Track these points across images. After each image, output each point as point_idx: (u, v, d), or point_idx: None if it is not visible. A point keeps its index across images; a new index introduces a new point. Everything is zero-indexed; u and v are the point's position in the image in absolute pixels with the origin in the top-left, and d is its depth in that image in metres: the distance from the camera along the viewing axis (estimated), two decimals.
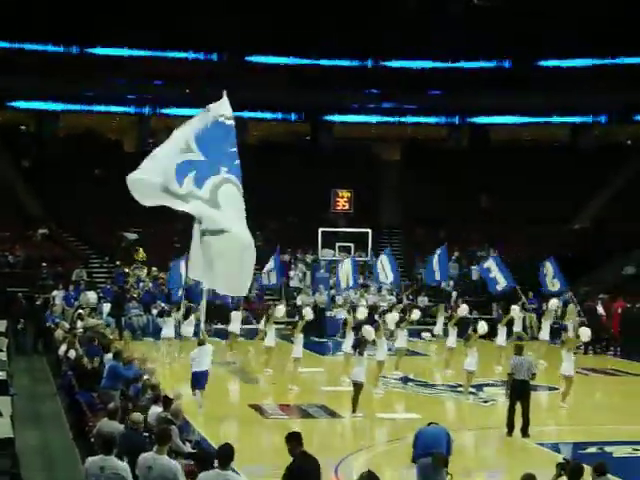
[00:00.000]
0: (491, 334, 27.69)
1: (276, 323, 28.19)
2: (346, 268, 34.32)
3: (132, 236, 43.13)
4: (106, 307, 34.60)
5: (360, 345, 21.12)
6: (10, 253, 39.40)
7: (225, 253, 14.46)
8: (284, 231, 44.86)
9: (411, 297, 38.88)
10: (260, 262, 32.47)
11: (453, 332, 27.26)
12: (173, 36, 50.56)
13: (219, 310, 35.04)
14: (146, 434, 13.01)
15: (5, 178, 45.90)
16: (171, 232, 40.83)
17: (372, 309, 34.57)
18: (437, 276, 32.51)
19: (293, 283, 40.19)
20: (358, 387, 20.18)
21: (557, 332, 31.08)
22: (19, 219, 43.31)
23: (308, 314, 25.59)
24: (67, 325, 27.35)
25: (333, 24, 50.77)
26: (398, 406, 22.55)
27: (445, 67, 54.26)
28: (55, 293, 34.87)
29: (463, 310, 28.54)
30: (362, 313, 27.96)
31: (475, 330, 24.10)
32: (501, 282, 30.18)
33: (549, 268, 30.19)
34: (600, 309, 32.89)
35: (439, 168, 50.10)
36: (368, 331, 22.10)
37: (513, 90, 52.07)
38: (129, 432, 12.12)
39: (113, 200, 42.96)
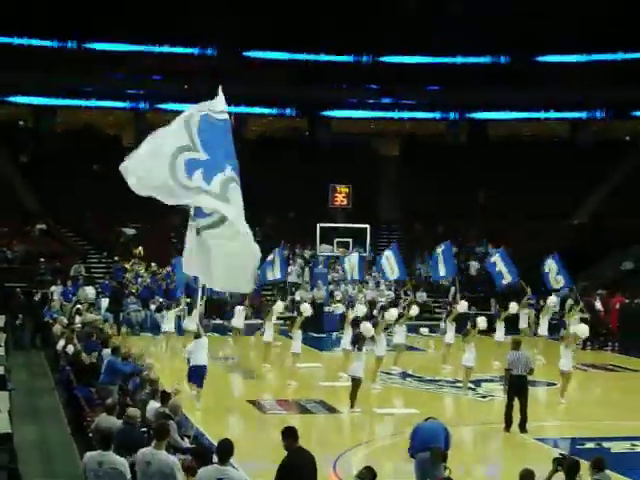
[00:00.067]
0: (489, 330, 27.75)
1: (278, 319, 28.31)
2: (352, 262, 34.19)
3: (130, 231, 43.13)
4: (104, 302, 34.63)
5: (359, 341, 21.12)
6: (8, 248, 39.38)
7: (226, 248, 14.44)
8: (282, 226, 44.85)
9: (409, 293, 38.85)
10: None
11: (451, 328, 27.28)
12: (171, 31, 50.53)
13: (217, 305, 35.07)
14: (144, 429, 13.02)
15: (3, 173, 45.88)
16: (169, 227, 40.86)
17: (370, 304, 34.67)
18: (442, 272, 31.68)
19: (291, 278, 40.16)
20: (356, 382, 20.18)
21: (555, 328, 31.10)
22: (17, 214, 43.26)
23: (306, 310, 25.58)
24: (65, 320, 27.33)
25: (331, 19, 50.72)
26: (396, 401, 22.60)
27: (443, 62, 54.20)
28: (53, 288, 34.85)
29: (462, 306, 28.50)
30: (361, 310, 27.96)
31: (474, 325, 24.11)
32: (507, 277, 30.10)
33: (552, 265, 29.87)
34: (598, 304, 32.93)
35: (437, 163, 50.08)
36: (367, 328, 22.10)
37: (511, 86, 52.04)
38: (126, 427, 12.12)
39: (111, 195, 42.84)
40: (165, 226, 41.44)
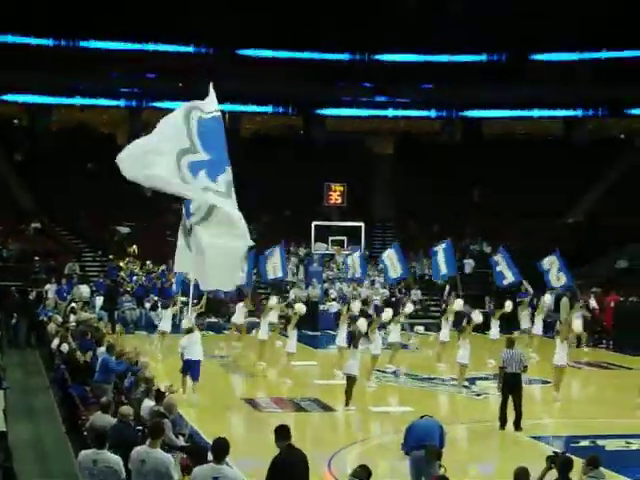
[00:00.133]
0: (484, 327, 27.77)
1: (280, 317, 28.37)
2: (355, 260, 33.98)
3: (125, 230, 43.10)
4: (99, 301, 34.63)
5: (354, 338, 21.14)
6: (3, 247, 39.31)
7: (219, 242, 14.48)
8: (277, 225, 44.83)
9: (404, 291, 38.89)
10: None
11: (446, 325, 27.23)
12: (166, 30, 50.48)
13: (212, 303, 35.05)
14: (139, 428, 13.02)
15: None
16: (164, 226, 40.79)
17: (364, 303, 34.61)
18: (444, 271, 30.88)
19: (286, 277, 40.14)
20: (352, 380, 20.19)
21: (550, 326, 31.11)
22: (12, 213, 43.20)
23: (301, 309, 25.58)
24: (60, 319, 27.32)
25: (328, 18, 50.73)
26: (391, 399, 22.60)
27: (438, 61, 54.21)
28: (48, 287, 34.83)
29: (458, 304, 28.45)
30: (356, 306, 27.95)
31: (469, 321, 24.13)
32: (508, 277, 29.92)
33: (554, 262, 29.55)
34: (593, 303, 32.96)
35: (432, 162, 50.10)
36: (362, 323, 22.14)
37: (506, 84, 52.10)
38: (119, 425, 12.13)
39: (106, 194, 43.07)
40: (160, 224, 41.40)
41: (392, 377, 24.95)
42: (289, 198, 46.38)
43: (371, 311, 33.16)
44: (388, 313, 24.95)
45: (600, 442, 17.08)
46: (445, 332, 27.04)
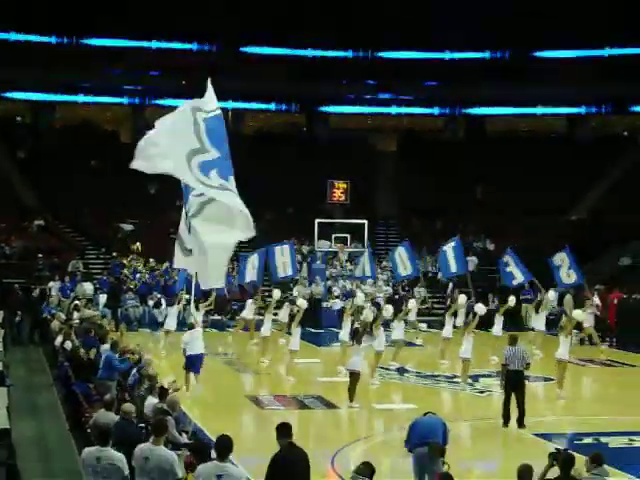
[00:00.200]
0: (488, 324, 27.74)
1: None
2: (364, 258, 33.81)
3: (128, 227, 43.11)
4: (102, 298, 34.67)
5: (357, 335, 21.15)
6: (6, 244, 39.34)
7: (217, 241, 14.56)
8: (280, 222, 44.83)
9: (407, 288, 38.88)
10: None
11: (450, 322, 27.19)
12: (169, 27, 50.47)
13: (216, 301, 35.01)
14: (142, 425, 13.04)
15: (1, 169, 45.89)
16: (167, 223, 40.76)
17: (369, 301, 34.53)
18: (454, 269, 30.57)
19: None
20: (355, 377, 20.18)
21: (553, 323, 31.09)
22: (15, 210, 43.24)
23: (303, 304, 25.56)
24: (63, 316, 27.36)
25: (330, 15, 50.71)
26: (395, 397, 22.59)
27: (441, 58, 54.19)
28: (51, 284, 34.88)
29: (462, 300, 28.44)
30: (360, 298, 27.97)
31: (474, 316, 24.12)
32: (518, 277, 29.73)
33: (565, 259, 29.43)
34: (596, 300, 32.92)
35: (435, 159, 50.08)
36: (368, 313, 22.22)
37: (510, 81, 52.03)
38: (122, 422, 12.14)
39: (109, 191, 43.14)
40: (163, 222, 41.38)
41: (395, 374, 24.95)
42: (292, 195, 46.37)
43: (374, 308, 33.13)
44: (388, 310, 24.85)
45: (603, 439, 17.09)
46: (448, 328, 26.99)
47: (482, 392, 22.57)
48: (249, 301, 30.41)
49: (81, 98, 52.56)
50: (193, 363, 20.81)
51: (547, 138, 55.06)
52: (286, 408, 20.31)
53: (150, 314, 35.55)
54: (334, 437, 17.89)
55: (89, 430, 13.39)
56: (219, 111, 15.25)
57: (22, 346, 30.03)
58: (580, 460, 10.27)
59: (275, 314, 29.74)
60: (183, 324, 29.02)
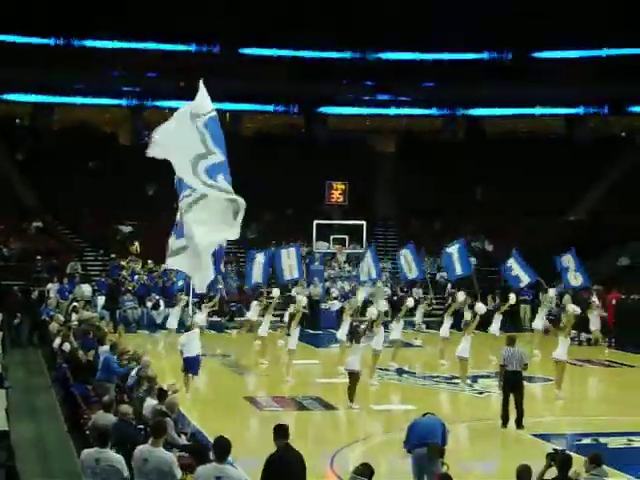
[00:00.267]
0: (486, 324, 27.73)
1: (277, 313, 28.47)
2: (367, 260, 33.60)
3: (127, 229, 43.09)
4: (101, 300, 34.66)
5: (355, 334, 21.16)
6: (5, 246, 39.30)
7: (208, 240, 14.67)
8: (279, 223, 44.86)
9: (406, 289, 38.88)
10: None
11: (448, 321, 27.16)
12: (167, 28, 50.45)
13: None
14: (141, 426, 13.04)
15: (0, 170, 45.84)
16: (166, 225, 40.69)
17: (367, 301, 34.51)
18: (459, 271, 30.65)
19: None
20: (354, 376, 20.17)
21: (552, 323, 31.10)
22: (14, 211, 43.20)
23: (302, 302, 25.54)
24: (62, 318, 27.30)
25: (328, 15, 50.72)
26: (393, 397, 22.58)
27: (440, 59, 54.18)
28: (50, 286, 34.82)
29: (461, 297, 28.43)
30: (361, 293, 27.95)
31: (475, 315, 24.11)
32: (524, 279, 29.77)
33: (571, 261, 29.48)
34: (594, 299, 32.91)
35: (434, 160, 50.05)
36: (372, 311, 22.28)
37: (509, 82, 52.02)
38: (120, 424, 12.15)
39: (108, 193, 43.11)
40: (162, 223, 41.23)
41: (394, 375, 24.95)
42: (291, 197, 46.34)
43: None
44: (372, 311, 24.56)
45: (602, 440, 17.10)
46: (446, 327, 26.96)
47: (481, 393, 22.57)
48: (254, 302, 30.37)
49: (80, 99, 52.51)
50: (191, 365, 20.90)
51: (546, 139, 55.06)
52: (285, 409, 20.32)
53: (148, 316, 35.54)
54: (333, 438, 17.89)
55: (88, 432, 13.38)
56: (214, 112, 15.30)
57: (21, 348, 30.00)
58: (578, 461, 10.27)
59: (277, 316, 29.81)
60: (182, 325, 29.03)
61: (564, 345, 21.58)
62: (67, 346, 21.87)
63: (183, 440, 13.44)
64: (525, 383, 19.08)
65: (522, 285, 30.29)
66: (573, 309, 23.27)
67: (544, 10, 49.01)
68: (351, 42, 53.15)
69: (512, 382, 18.46)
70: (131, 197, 43.62)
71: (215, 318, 35.70)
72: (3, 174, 45.61)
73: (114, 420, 12.40)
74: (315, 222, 40.43)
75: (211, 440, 11.86)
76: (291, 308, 26.38)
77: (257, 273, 31.16)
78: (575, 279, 29.40)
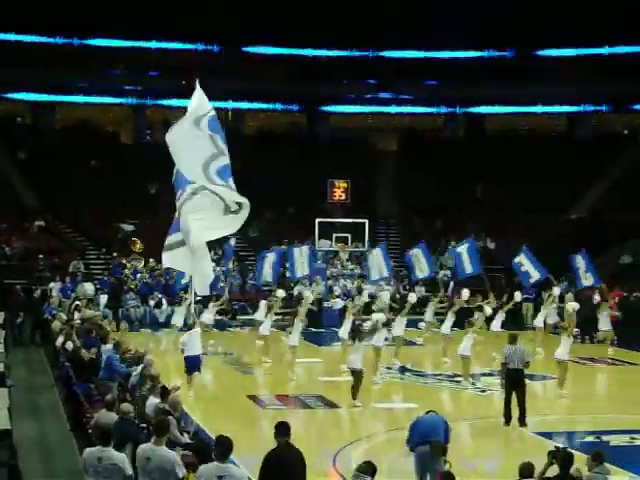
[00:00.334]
0: (487, 321, 27.71)
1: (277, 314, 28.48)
2: (376, 259, 33.37)
3: (128, 227, 43.07)
4: (103, 298, 34.62)
5: (357, 332, 21.17)
6: (7, 245, 39.31)
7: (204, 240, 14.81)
8: (281, 221, 44.84)
9: (408, 287, 38.85)
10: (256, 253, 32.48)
11: (450, 319, 27.14)
12: (169, 27, 50.44)
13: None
14: (144, 425, 13.05)
15: (1, 170, 45.85)
16: (168, 223, 40.72)
17: (371, 299, 34.45)
18: (469, 270, 30.41)
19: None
20: (358, 374, 20.16)
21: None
22: (15, 211, 43.20)
23: (309, 298, 25.56)
24: (64, 317, 27.34)
25: (329, 14, 50.71)
26: (396, 396, 22.59)
27: (441, 57, 54.14)
28: (52, 285, 34.84)
29: (465, 294, 28.38)
30: (364, 295, 27.94)
31: (481, 311, 24.13)
32: (534, 275, 29.69)
33: (581, 262, 29.50)
34: (597, 298, 32.89)
35: (436, 158, 50.05)
36: (381, 317, 22.34)
37: (510, 80, 51.99)
38: (121, 422, 12.16)
39: (110, 191, 43.09)
40: (164, 222, 41.21)
41: (397, 373, 24.94)
42: (293, 195, 46.32)
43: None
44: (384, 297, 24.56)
45: (605, 438, 17.10)
46: (447, 325, 26.94)
47: (483, 391, 22.57)
48: (262, 302, 30.29)
49: (81, 98, 52.49)
50: (192, 364, 20.85)
51: (547, 137, 55.08)
52: (287, 408, 20.33)
53: (151, 314, 35.52)
54: (335, 436, 17.91)
55: (90, 430, 13.40)
56: (213, 111, 15.35)
57: (23, 347, 30.03)
58: (580, 458, 10.27)
59: (279, 314, 29.84)
60: (185, 324, 29.07)
61: (566, 344, 21.57)
62: (70, 345, 21.87)
63: (186, 438, 13.45)
64: (527, 381, 19.09)
65: (532, 281, 30.24)
66: (572, 307, 23.28)
67: (545, 9, 49.00)
68: (353, 41, 53.04)
69: (514, 380, 18.47)
70: (132, 196, 43.59)
71: (217, 317, 35.71)
72: (4, 173, 45.61)
73: (116, 419, 12.42)
74: (317, 220, 40.40)
75: (214, 439, 11.86)
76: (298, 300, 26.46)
77: (267, 272, 31.27)
78: (586, 279, 29.56)
